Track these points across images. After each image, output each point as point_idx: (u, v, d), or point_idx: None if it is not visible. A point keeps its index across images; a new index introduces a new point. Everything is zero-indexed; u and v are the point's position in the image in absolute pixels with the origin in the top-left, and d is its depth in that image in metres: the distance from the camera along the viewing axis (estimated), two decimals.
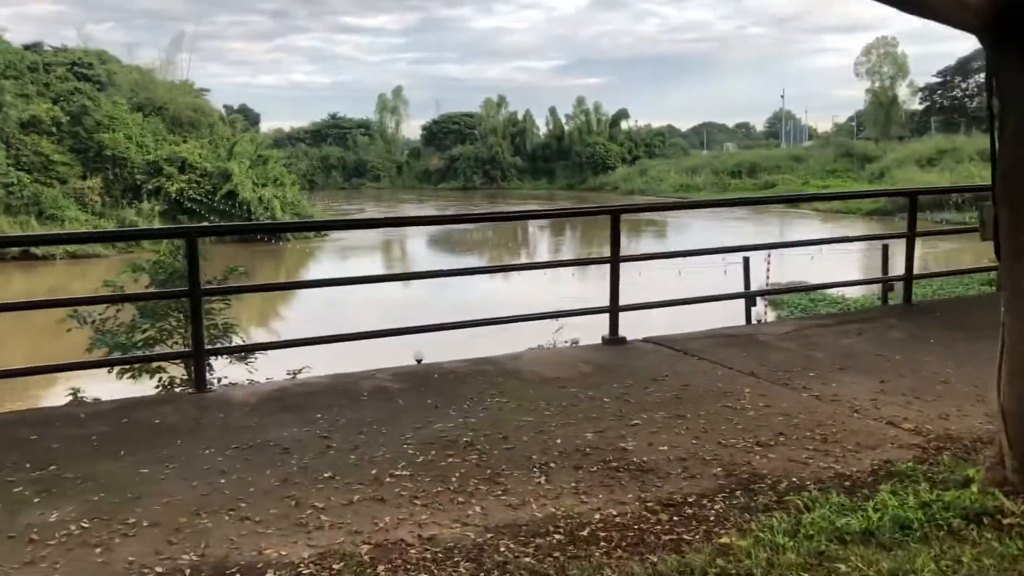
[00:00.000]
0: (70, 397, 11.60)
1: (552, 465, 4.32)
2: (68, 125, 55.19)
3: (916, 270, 8.44)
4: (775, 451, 4.51)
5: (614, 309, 6.77)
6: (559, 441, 4.65)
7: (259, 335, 23.54)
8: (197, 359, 5.55)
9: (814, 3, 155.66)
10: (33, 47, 60.42)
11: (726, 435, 4.75)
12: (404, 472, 4.24)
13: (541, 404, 5.27)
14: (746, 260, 15.36)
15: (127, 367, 11.67)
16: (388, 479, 4.17)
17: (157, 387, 12.21)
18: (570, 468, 4.29)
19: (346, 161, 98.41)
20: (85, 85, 57.63)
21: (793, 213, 59.06)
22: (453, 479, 4.15)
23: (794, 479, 4.15)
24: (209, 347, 6.03)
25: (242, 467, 4.34)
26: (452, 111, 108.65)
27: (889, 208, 55.97)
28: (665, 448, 4.55)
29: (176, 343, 11.81)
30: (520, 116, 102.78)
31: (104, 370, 11.93)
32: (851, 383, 5.69)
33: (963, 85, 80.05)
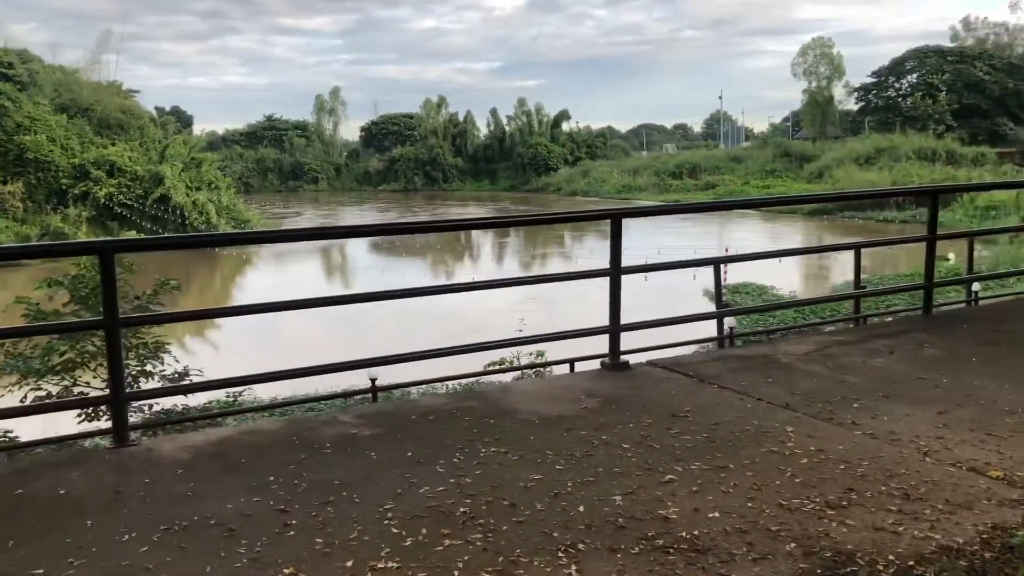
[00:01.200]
0: None
1: (580, 546, 3.35)
2: None
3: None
4: (852, 515, 3.61)
5: (615, 329, 5.82)
6: (582, 509, 3.68)
7: (195, 346, 22.10)
8: (116, 406, 4.43)
9: (748, 7, 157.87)
10: None
11: (784, 493, 3.83)
12: (390, 564, 3.23)
13: (548, 455, 4.29)
14: (716, 266, 14.61)
15: (38, 389, 10.41)
16: (369, 574, 3.16)
17: (78, 417, 10.94)
18: (604, 550, 3.32)
19: (282, 163, 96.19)
20: (5, 85, 54.90)
21: (734, 213, 59.02)
22: (455, 573, 3.16)
23: (890, 556, 3.25)
24: (130, 391, 4.84)
25: (174, 560, 3.27)
26: (391, 112, 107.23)
27: (830, 208, 56.44)
28: (716, 515, 3.61)
29: (100, 365, 10.57)
30: (460, 117, 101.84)
31: (14, 396, 10.63)
32: (905, 416, 4.84)
33: (896, 85, 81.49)
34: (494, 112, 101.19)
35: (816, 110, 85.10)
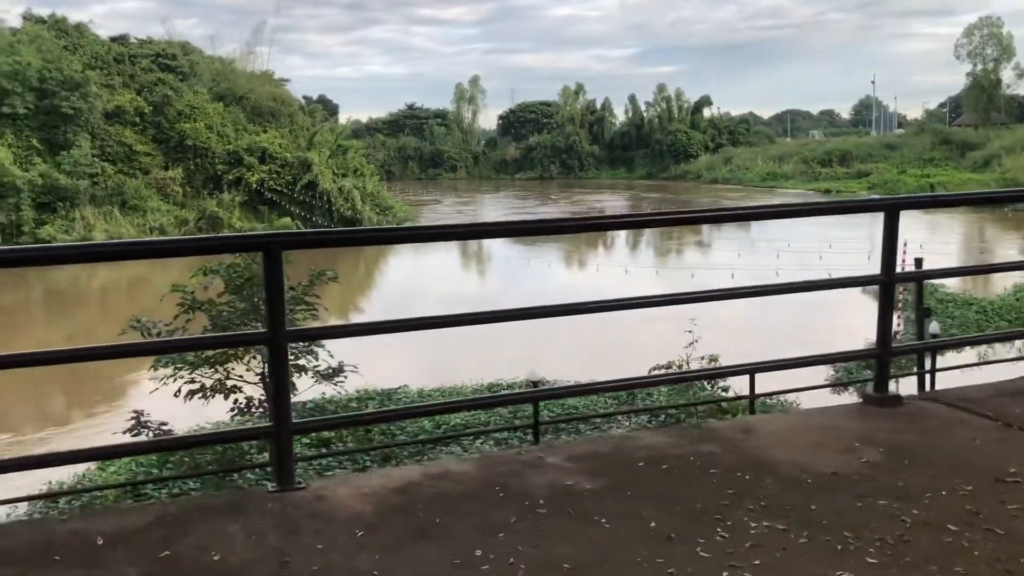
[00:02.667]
0: (131, 421, 10.00)
1: None
2: (151, 115, 54.94)
3: None
4: None
5: (884, 353, 4.56)
6: None
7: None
8: (280, 441, 3.58)
9: None
10: (120, 40, 60.49)
11: None
12: None
13: (847, 537, 3.12)
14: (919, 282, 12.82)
15: (192, 382, 10.01)
16: None
17: (232, 411, 10.52)
18: None
19: (423, 151, 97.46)
20: (168, 76, 57.42)
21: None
22: None
23: None
24: (297, 421, 3.96)
25: None
26: (527, 100, 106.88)
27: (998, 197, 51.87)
28: None
29: (255, 358, 10.07)
30: (598, 105, 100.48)
31: (169, 388, 10.28)
32: None
33: None
34: (632, 99, 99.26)
35: (981, 95, 78.91)
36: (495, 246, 50.46)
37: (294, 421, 3.75)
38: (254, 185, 48.86)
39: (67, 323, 32.19)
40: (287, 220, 46.59)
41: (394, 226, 43.46)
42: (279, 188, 48.41)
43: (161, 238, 46.67)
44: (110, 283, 43.09)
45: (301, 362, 10.01)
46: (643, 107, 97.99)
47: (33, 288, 42.09)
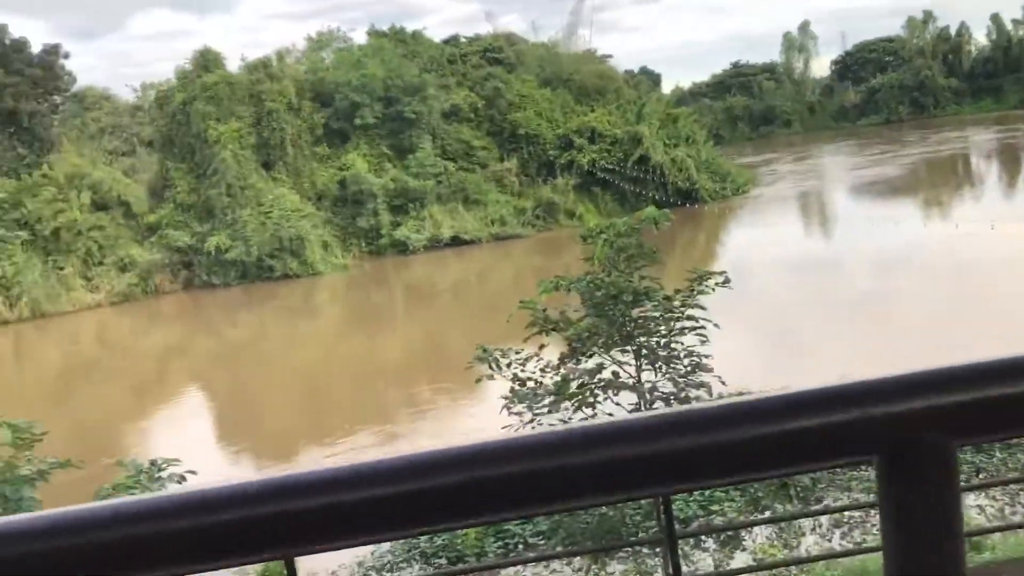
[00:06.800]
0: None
1: None
2: (483, 109, 56.73)
3: None
4: None
5: None
6: None
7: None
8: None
9: None
10: (450, 41, 63.40)
11: None
12: None
13: None
14: None
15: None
16: None
17: None
18: None
19: (752, 110, 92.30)
20: (496, 68, 58.92)
21: None
22: None
23: None
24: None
25: None
26: (864, 40, 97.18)
27: None
28: None
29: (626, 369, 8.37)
30: (952, 31, 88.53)
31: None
32: None
33: None
34: (995, 18, 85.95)
35: None
36: (841, 203, 45.57)
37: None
38: (586, 166, 48.50)
39: (426, 315, 33.73)
40: (651, 209, 45.53)
41: None
42: (611, 167, 47.53)
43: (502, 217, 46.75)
44: (461, 277, 45.02)
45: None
46: (1009, 26, 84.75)
47: (393, 286, 45.19)
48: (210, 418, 21.50)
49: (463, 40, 64.35)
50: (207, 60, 51.70)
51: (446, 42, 63.37)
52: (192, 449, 17.46)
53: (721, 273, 8.21)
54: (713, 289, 7.77)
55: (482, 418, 15.91)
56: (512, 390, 7.56)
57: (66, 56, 51.29)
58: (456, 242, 52.25)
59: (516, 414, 7.45)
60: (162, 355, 33.56)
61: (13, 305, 41.08)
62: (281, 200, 47.80)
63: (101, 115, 63.90)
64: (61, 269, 44.45)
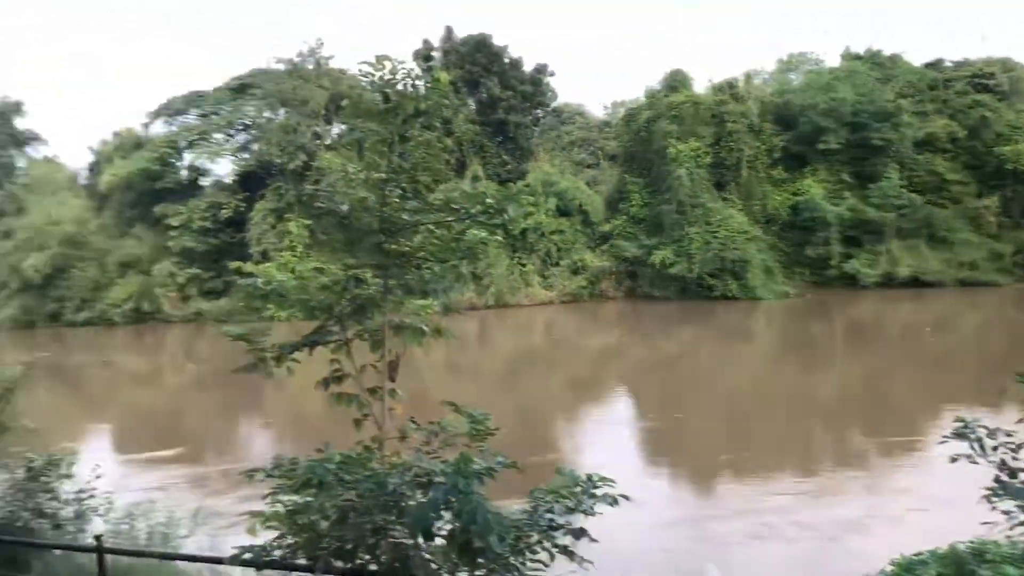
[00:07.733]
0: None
1: None
2: (964, 140, 51.35)
3: None
4: None
5: None
6: None
7: None
8: None
9: None
10: (933, 64, 58.32)
11: None
12: None
13: None
14: None
15: None
16: None
17: None
18: None
19: None
20: (984, 96, 53.03)
21: None
22: None
23: None
24: None
25: None
26: None
27: None
28: None
29: None
30: None
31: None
32: None
33: None
34: None
35: None
36: None
37: None
38: None
39: (868, 357, 31.27)
40: None
41: None
42: None
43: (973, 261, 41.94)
44: (914, 321, 41.01)
45: None
46: None
47: (835, 321, 42.62)
48: (633, 424, 22.16)
49: (947, 64, 58.75)
50: (676, 80, 53.54)
51: (928, 66, 58.36)
52: (613, 454, 18.12)
53: None
54: None
55: (919, 491, 14.29)
56: (997, 479, 6.21)
57: (551, 74, 56.53)
58: (914, 282, 47.83)
59: (1005, 512, 6.09)
60: (599, 356, 35.46)
61: (482, 294, 46.54)
62: (729, 221, 47.80)
63: (573, 129, 69.71)
64: (523, 266, 49.32)
